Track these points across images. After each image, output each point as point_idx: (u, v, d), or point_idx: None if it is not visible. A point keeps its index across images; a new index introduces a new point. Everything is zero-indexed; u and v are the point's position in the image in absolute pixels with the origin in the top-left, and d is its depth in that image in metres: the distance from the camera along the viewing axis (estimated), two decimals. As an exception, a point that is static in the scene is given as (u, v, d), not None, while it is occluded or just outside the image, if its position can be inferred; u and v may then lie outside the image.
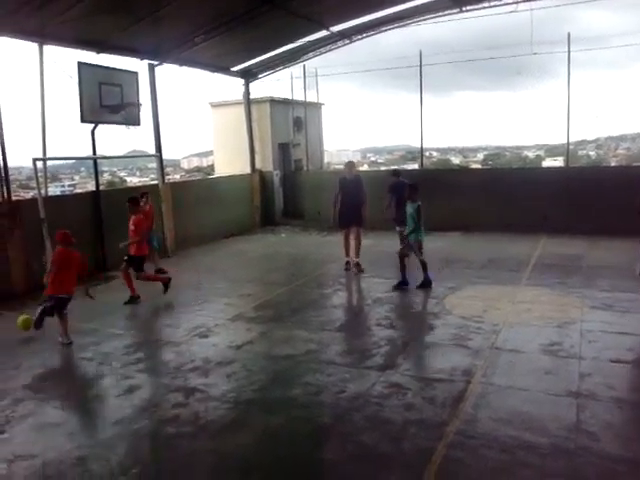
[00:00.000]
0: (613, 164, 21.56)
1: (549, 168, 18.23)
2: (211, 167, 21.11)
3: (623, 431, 4.57)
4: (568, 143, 14.73)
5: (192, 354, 6.80)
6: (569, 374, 5.70)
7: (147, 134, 13.47)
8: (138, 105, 12.12)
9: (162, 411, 5.29)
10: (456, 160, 25.89)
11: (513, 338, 6.85)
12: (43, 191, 10.88)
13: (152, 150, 13.74)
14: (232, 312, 8.53)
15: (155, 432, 4.97)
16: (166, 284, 9.52)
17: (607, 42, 13.62)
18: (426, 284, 9.26)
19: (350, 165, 11.50)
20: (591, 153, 24.58)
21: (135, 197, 9.71)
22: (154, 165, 14.62)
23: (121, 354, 6.96)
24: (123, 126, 11.98)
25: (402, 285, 9.30)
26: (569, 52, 13.98)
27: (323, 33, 15.19)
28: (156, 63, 13.38)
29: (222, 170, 18.12)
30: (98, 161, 12.28)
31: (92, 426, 5.05)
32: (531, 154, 25.36)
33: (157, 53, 13.14)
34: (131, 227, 9.20)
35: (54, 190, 15.28)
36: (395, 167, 14.04)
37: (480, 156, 26.35)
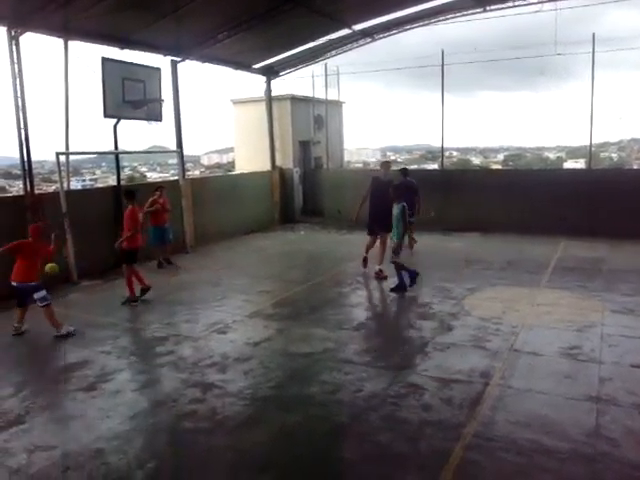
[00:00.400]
0: (636, 167, 21.26)
1: (570, 170, 18.02)
2: (231, 164, 21.20)
3: (644, 437, 4.50)
4: (591, 145, 14.53)
5: (210, 350, 6.85)
6: (589, 378, 5.63)
7: (168, 130, 13.59)
8: (160, 101, 12.21)
9: (180, 406, 5.33)
10: (476, 160, 25.74)
11: (532, 340, 6.78)
12: (65, 185, 11.02)
13: (173, 146, 13.83)
14: (250, 309, 8.56)
15: (172, 427, 5.01)
16: (144, 290, 9.19)
17: (632, 43, 13.39)
18: (401, 287, 9.04)
19: (386, 165, 11.20)
20: (613, 155, 24.28)
21: (131, 190, 9.44)
22: (174, 161, 14.71)
23: (139, 348, 7.02)
24: (145, 122, 12.08)
25: (403, 287, 9.09)
26: (593, 53, 13.78)
27: (345, 31, 15.15)
28: (179, 59, 13.47)
29: (243, 167, 18.18)
30: (119, 156, 12.38)
31: (110, 419, 5.10)
32: (552, 155, 25.13)
33: (179, 49, 13.22)
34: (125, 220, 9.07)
35: (75, 184, 15.45)
36: (404, 166, 13.90)
37: (501, 157, 26.18)
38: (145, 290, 9.21)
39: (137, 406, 5.36)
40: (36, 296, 7.36)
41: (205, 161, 31.60)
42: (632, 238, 12.39)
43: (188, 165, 16.05)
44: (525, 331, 7.09)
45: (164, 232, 11.62)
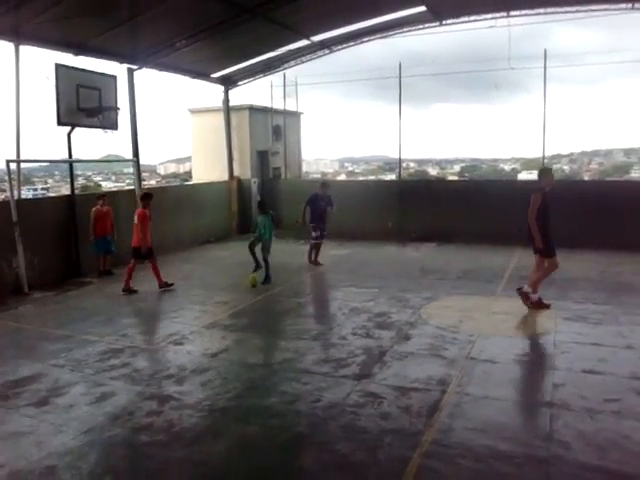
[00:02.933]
0: (586, 178, 22.03)
1: (524, 181, 18.51)
2: (188, 173, 21.02)
3: (595, 440, 4.61)
4: (543, 157, 15.00)
5: (167, 361, 6.74)
6: (543, 384, 5.78)
7: (124, 139, 13.38)
8: (116, 109, 12.00)
9: (136, 419, 5.20)
10: (433, 171, 26.20)
11: (488, 348, 6.89)
12: (16, 194, 10.69)
13: (129, 155, 13.60)
14: (208, 320, 8.47)
15: (128, 441, 4.88)
16: (125, 290, 10.08)
17: (582, 59, 13.95)
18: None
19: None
20: (565, 167, 25.11)
21: (147, 194, 10.53)
22: (130, 170, 14.47)
23: (94, 361, 6.84)
24: (100, 130, 11.83)
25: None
26: (545, 68, 14.28)
27: (304, 42, 15.27)
28: (135, 67, 13.30)
29: (200, 177, 18.04)
30: (73, 165, 12.10)
31: (63, 434, 4.93)
32: (507, 167, 25.79)
33: (136, 57, 13.06)
34: (135, 220, 10.03)
35: (26, 193, 15.03)
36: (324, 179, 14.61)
37: (457, 168, 26.73)
38: (126, 290, 10.03)
39: (91, 420, 5.20)
40: None
41: (162, 171, 31.25)
42: (583, 247, 12.78)
43: (144, 175, 15.81)
44: (481, 339, 7.20)
45: (106, 243, 11.43)
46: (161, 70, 14.34)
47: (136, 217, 10.08)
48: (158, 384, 6.04)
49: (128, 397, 5.73)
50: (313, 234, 12.31)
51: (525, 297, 8.46)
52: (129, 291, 10.07)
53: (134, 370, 6.48)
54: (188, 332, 7.84)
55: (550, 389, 5.62)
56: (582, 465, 4.27)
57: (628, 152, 27.63)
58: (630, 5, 13.04)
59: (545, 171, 9.05)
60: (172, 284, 10.38)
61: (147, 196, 10.40)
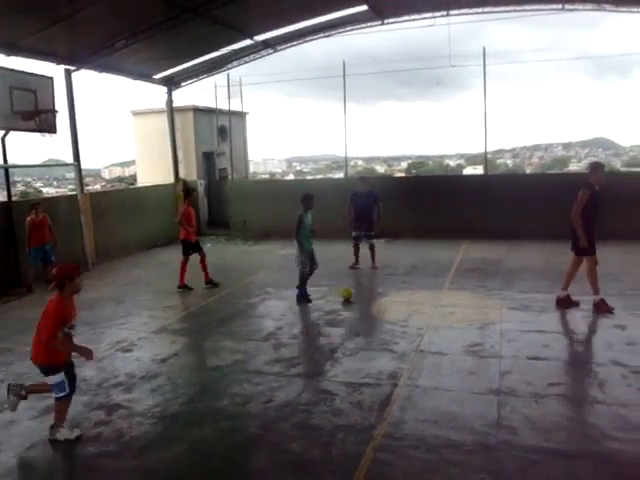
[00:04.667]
0: (528, 172, 22.74)
1: (469, 176, 18.95)
2: (134, 177, 20.56)
3: (540, 423, 4.76)
4: (485, 152, 15.37)
5: (115, 369, 6.56)
6: (490, 373, 5.90)
7: (65, 142, 12.93)
8: (54, 112, 11.57)
9: (83, 430, 5.02)
10: (381, 169, 26.48)
11: (437, 341, 7.02)
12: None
13: (70, 159, 13.18)
14: (156, 325, 8.30)
15: (75, 453, 4.72)
16: (180, 286, 10.36)
17: (520, 57, 14.39)
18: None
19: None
20: (508, 162, 25.85)
21: (188, 189, 11.32)
22: (73, 175, 14.04)
23: (37, 373, 6.57)
24: (38, 134, 11.40)
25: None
26: (484, 65, 14.63)
27: (247, 42, 15.15)
28: (73, 68, 12.86)
29: (145, 180, 17.66)
30: (10, 171, 11.63)
31: (2, 453, 4.72)
32: (452, 163, 26.35)
33: (74, 58, 12.64)
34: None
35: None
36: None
37: (404, 165, 27.11)
38: (181, 287, 10.27)
39: (34, 435, 5.00)
40: None
41: (106, 175, 30.53)
42: (526, 238, 13.18)
43: (88, 179, 15.39)
44: (430, 332, 7.32)
45: (45, 252, 10.79)
46: (101, 71, 13.94)
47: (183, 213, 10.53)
48: (106, 393, 5.88)
49: (75, 408, 5.51)
50: (353, 234, 11.57)
51: (600, 305, 7.83)
52: (185, 288, 10.28)
53: (81, 380, 6.21)
54: (136, 338, 7.67)
55: (497, 377, 5.76)
56: (529, 448, 4.40)
57: (567, 146, 28.67)
58: (561, 6, 13.61)
59: (595, 166, 8.21)
60: (218, 284, 10.52)
61: (186, 192, 11.15)
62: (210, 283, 10.43)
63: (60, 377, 4.87)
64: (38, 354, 4.97)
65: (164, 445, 4.75)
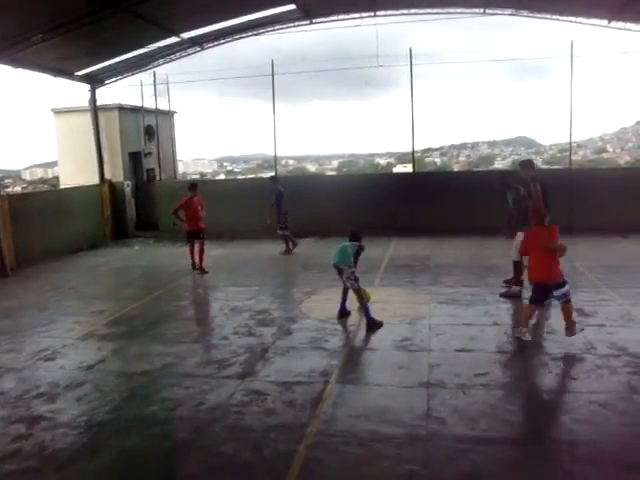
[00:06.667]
0: (456, 169, 23.44)
1: (398, 174, 19.32)
2: (57, 178, 19.71)
3: (467, 413, 4.90)
4: (413, 150, 15.72)
5: (37, 380, 6.23)
6: (420, 366, 6.01)
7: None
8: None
9: (0, 447, 4.75)
10: (312, 168, 26.56)
11: (368, 337, 7.10)
12: None
13: (-15, 160, 12.49)
14: (82, 331, 7.97)
15: (-11, 471, 4.45)
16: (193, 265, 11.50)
17: (446, 58, 14.79)
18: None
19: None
20: (436, 160, 26.52)
21: (193, 183, 11.87)
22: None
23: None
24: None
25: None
26: (411, 65, 14.96)
27: (173, 39, 14.83)
28: (-16, 64, 12.19)
29: (69, 181, 16.94)
30: None
31: None
32: (383, 161, 26.73)
33: (-15, 52, 11.97)
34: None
35: None
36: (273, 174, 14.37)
37: (335, 163, 27.29)
38: (193, 266, 11.42)
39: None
40: None
41: (27, 176, 29.16)
42: (453, 235, 13.59)
43: (7, 181, 14.63)
44: (361, 329, 7.39)
45: None
46: (17, 67, 13.23)
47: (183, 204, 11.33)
48: (27, 405, 5.57)
49: (-11, 423, 5.23)
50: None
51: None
52: (201, 270, 11.25)
53: (-2, 392, 5.94)
54: (60, 346, 7.33)
55: (427, 370, 5.88)
56: (457, 438, 4.52)
57: (492, 144, 29.68)
58: (482, 10, 14.14)
59: (531, 162, 8.64)
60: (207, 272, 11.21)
61: (191, 185, 11.71)
62: (199, 269, 11.29)
63: None
64: None
65: (91, 456, 4.56)
